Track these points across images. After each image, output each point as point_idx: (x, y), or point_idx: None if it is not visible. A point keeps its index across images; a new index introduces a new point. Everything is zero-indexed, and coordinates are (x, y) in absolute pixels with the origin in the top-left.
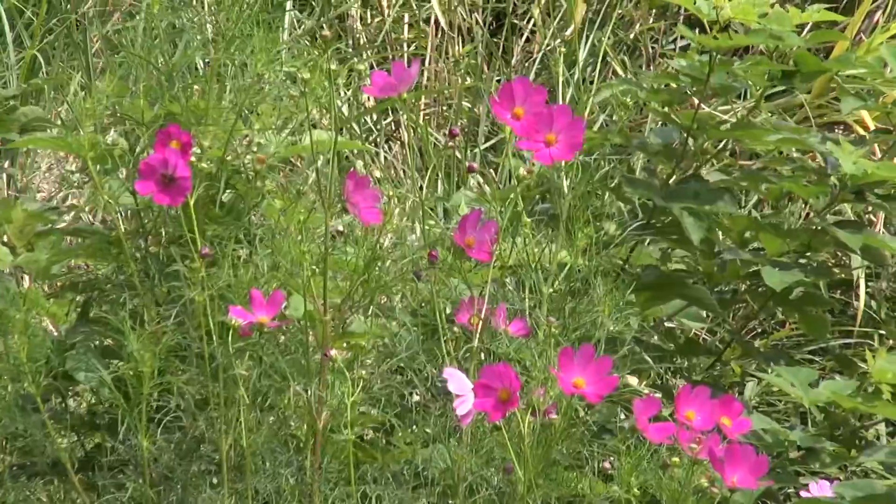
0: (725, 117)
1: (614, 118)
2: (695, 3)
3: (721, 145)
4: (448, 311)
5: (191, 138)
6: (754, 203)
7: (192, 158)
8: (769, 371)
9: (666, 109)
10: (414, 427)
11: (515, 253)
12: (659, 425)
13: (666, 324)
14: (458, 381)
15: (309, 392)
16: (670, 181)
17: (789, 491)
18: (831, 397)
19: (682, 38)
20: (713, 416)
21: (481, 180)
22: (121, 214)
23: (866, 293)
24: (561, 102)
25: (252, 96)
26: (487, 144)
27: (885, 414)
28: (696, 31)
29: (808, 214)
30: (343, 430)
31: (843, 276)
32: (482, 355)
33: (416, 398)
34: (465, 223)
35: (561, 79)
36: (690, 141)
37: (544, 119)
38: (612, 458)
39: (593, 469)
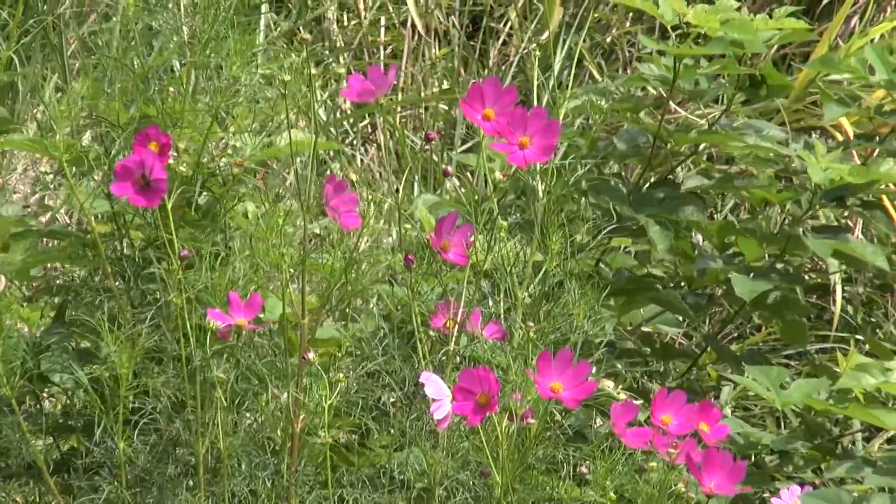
0: (701, 122)
1: (590, 122)
2: (658, 10)
3: (697, 149)
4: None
5: (170, 140)
6: (731, 207)
7: (170, 161)
8: (743, 374)
9: (631, 115)
10: (390, 430)
11: (490, 257)
12: (636, 430)
13: (643, 328)
14: (435, 386)
15: (286, 395)
16: (642, 186)
17: (765, 495)
18: (803, 399)
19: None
20: (690, 420)
21: (458, 184)
22: (96, 217)
23: (843, 298)
24: (536, 106)
25: (228, 99)
26: (464, 147)
27: (857, 416)
28: (668, 35)
29: (786, 219)
30: (319, 434)
31: (819, 280)
32: (458, 359)
33: (392, 402)
34: (442, 226)
35: (536, 82)
36: (662, 144)
37: (518, 121)
38: (588, 463)
39: (569, 473)
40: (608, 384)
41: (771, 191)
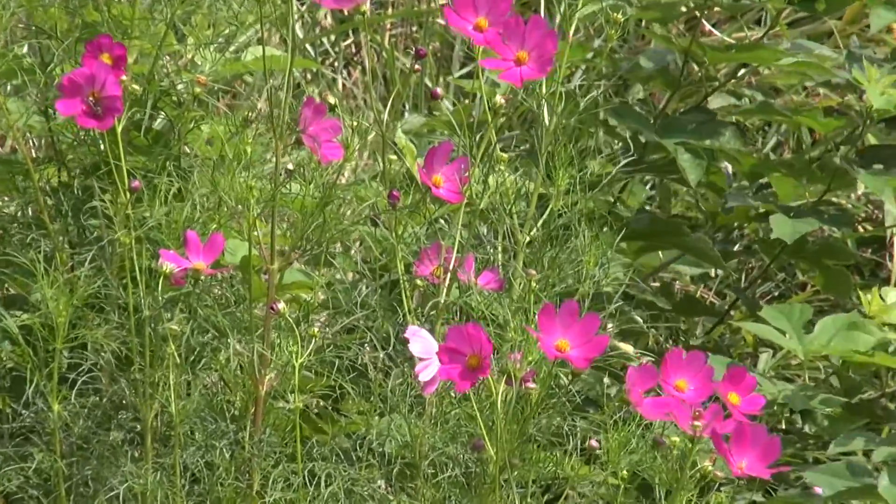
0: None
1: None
2: None
3: (736, 73)
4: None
5: (125, 52)
6: (774, 146)
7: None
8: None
9: (658, 28)
10: (369, 395)
11: (488, 194)
12: (655, 399)
13: (662, 276)
14: (422, 343)
15: (249, 352)
16: (668, 112)
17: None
18: (837, 349)
19: None
20: (708, 385)
21: (451, 109)
22: (30, 140)
23: None
24: (536, 14)
25: (185, 5)
26: (463, 72)
27: (885, 363)
28: None
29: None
30: (288, 398)
31: (874, 232)
32: (449, 314)
33: (372, 362)
34: (432, 158)
35: None
36: (694, 66)
37: (514, 33)
38: (598, 436)
39: (576, 447)
40: (627, 347)
41: (816, 117)
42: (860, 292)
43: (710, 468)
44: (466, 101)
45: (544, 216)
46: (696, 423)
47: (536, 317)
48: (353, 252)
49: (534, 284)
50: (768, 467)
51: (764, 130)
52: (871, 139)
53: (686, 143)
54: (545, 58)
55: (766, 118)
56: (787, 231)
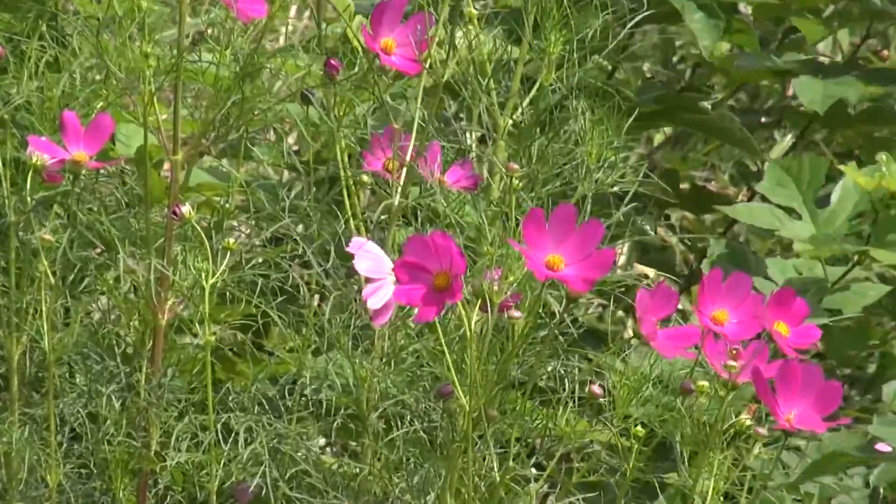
0: None
1: None
2: None
3: None
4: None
5: None
6: None
7: None
8: None
9: None
10: (301, 327)
11: (456, 61)
12: (674, 330)
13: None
14: (370, 259)
15: (145, 270)
16: None
17: None
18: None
19: None
20: (757, 318)
21: None
22: None
23: None
24: None
25: None
26: None
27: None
28: None
29: None
30: (196, 330)
31: None
32: (407, 219)
33: (306, 283)
34: (381, 16)
35: None
36: None
37: None
38: (601, 380)
39: (573, 395)
40: (647, 270)
41: None
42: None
43: (747, 422)
44: None
45: (532, 93)
46: (730, 362)
47: (521, 225)
48: (286, 145)
49: (516, 182)
50: (824, 419)
51: None
52: None
53: None
54: None
55: None
56: (816, 96)
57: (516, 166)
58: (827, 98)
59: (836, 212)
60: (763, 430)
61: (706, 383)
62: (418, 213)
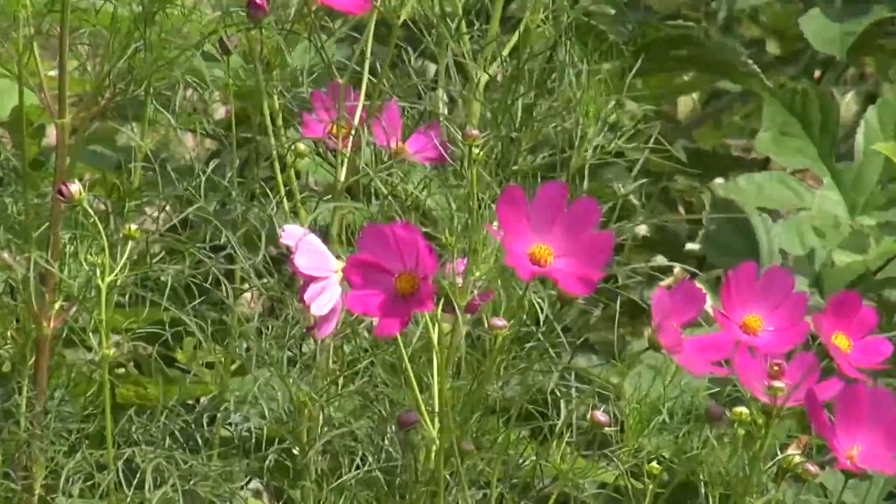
0: None
1: None
2: None
3: None
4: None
5: None
6: None
7: None
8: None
9: None
10: (224, 338)
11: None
12: (702, 339)
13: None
14: (311, 254)
15: (25, 266)
16: None
17: None
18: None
19: None
20: (799, 324)
21: None
22: None
23: None
24: None
25: None
26: None
27: None
28: None
29: None
30: (91, 342)
31: None
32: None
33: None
34: None
35: None
36: None
37: None
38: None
39: (569, 423)
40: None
41: None
42: None
43: (796, 459)
44: None
45: (514, 39)
46: (776, 382)
47: (496, 206)
48: (208, 107)
49: (476, 152)
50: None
51: None
52: None
53: None
54: None
55: None
56: (830, 36)
57: (476, 132)
58: (844, 36)
59: (862, 172)
60: (816, 469)
61: (744, 409)
62: (372, 193)
